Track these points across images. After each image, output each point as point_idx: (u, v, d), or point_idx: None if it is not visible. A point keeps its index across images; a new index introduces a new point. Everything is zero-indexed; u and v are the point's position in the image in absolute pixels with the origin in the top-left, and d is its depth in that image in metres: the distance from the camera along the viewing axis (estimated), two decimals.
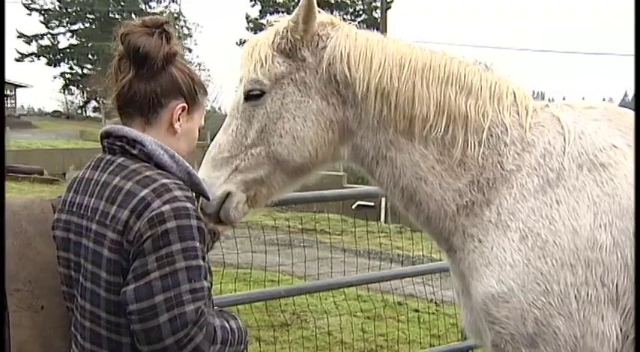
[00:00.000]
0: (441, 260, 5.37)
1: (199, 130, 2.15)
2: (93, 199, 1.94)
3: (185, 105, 2.04)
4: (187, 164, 2.02)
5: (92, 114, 53.87)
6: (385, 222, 16.18)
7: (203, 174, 2.44)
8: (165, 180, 1.88)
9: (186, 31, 52.16)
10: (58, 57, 54.01)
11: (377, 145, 2.43)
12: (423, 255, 6.50)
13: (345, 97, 2.42)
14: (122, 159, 1.97)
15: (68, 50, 53.85)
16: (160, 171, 1.93)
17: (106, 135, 2.03)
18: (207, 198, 2.20)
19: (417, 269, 5.19)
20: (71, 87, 55.61)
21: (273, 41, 2.44)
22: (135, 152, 1.96)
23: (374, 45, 2.42)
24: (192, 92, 2.06)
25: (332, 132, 2.43)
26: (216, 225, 2.48)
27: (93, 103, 54.79)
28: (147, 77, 1.99)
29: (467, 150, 2.38)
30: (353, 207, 17.39)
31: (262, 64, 2.41)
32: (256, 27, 43.91)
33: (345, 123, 2.44)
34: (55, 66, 54.38)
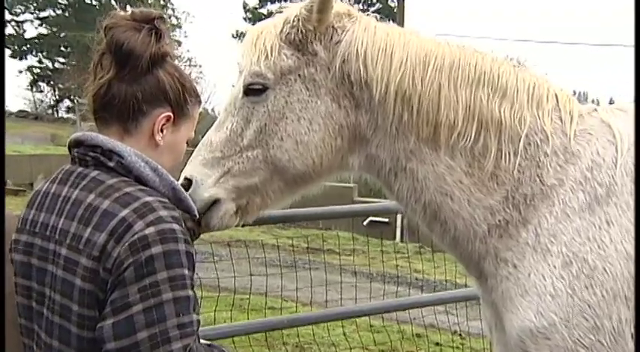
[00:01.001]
0: (467, 286, 5.35)
1: (187, 143, 2.15)
2: (62, 219, 1.91)
3: (170, 114, 2.03)
4: (172, 178, 2.01)
5: (65, 116, 53.84)
6: (402, 241, 16.20)
7: (191, 170, 2.44)
8: (148, 198, 1.86)
9: (174, 21, 52.30)
10: (25, 48, 54.05)
11: (395, 155, 2.44)
12: (446, 280, 6.49)
13: (360, 100, 2.43)
14: (96, 172, 1.95)
15: (36, 40, 53.77)
16: (141, 186, 1.92)
17: (76, 144, 2.01)
18: (194, 217, 2.19)
19: (439, 297, 5.18)
20: (40, 83, 55.56)
21: (282, 30, 2.45)
22: (111, 164, 1.94)
23: (395, 40, 2.43)
24: (180, 100, 2.05)
25: (340, 139, 2.44)
26: (194, 224, 2.45)
27: (66, 103, 54.73)
28: (129, 79, 1.97)
29: (500, 161, 2.38)
30: (364, 223, 17.39)
31: (267, 55, 2.42)
32: (255, 17, 44.01)
33: (357, 130, 2.45)
34: (20, 59, 54.35)
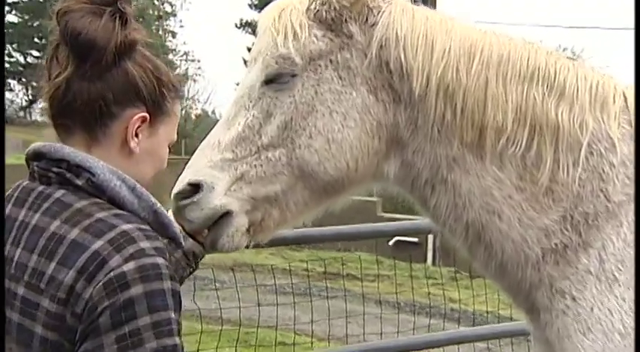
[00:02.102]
0: (512, 319, 5.32)
1: (170, 147, 2.10)
2: (19, 250, 1.86)
3: (146, 115, 1.97)
4: (153, 199, 1.96)
5: (39, 119, 54.01)
6: (434, 265, 16.12)
7: (197, 172, 2.39)
8: (126, 226, 1.80)
9: (168, 9, 52.57)
10: None
11: (435, 163, 2.43)
12: (488, 312, 6.45)
13: (399, 93, 2.42)
14: (61, 192, 1.89)
15: (5, 31, 54.45)
16: (116, 210, 1.86)
17: (36, 157, 1.96)
18: (179, 245, 2.15)
19: (479, 332, 5.14)
20: (10, 80, 55.94)
21: (310, 7, 2.45)
22: (80, 183, 1.88)
23: (436, 26, 2.43)
24: (156, 97, 1.99)
25: (378, 140, 2.44)
26: (196, 244, 2.45)
27: (40, 103, 55.03)
28: (91, 75, 1.90)
29: (557, 173, 2.36)
30: (390, 243, 17.34)
31: (298, 34, 2.41)
32: (262, 3, 44.13)
33: (395, 130, 2.44)
34: None
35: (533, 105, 2.37)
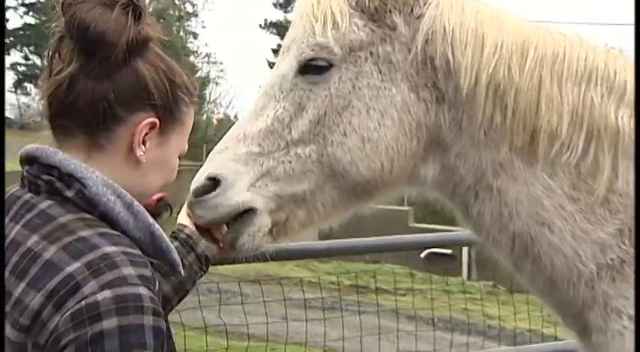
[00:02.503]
0: (557, 338, 5.23)
1: (179, 158, 2.03)
2: None
3: (155, 120, 1.89)
4: (150, 219, 1.86)
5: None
6: (469, 278, 16.04)
7: (218, 166, 2.37)
8: (109, 248, 1.69)
9: (189, 9, 52.95)
10: (7, 41, 55.31)
11: (480, 168, 2.39)
12: (530, 330, 6.36)
13: (443, 93, 2.39)
14: (48, 203, 1.80)
15: (22, 32, 55.11)
16: (104, 229, 1.76)
17: (29, 160, 1.88)
18: (179, 273, 2.01)
19: (522, 351, 5.11)
20: (26, 84, 56.74)
21: None
22: (69, 194, 1.79)
23: (486, 20, 2.39)
24: (168, 101, 1.91)
25: (417, 141, 2.41)
26: (213, 244, 2.43)
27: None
28: (98, 73, 1.83)
29: (615, 182, 2.31)
30: (422, 255, 17.29)
31: (338, 22, 2.39)
32: (287, 3, 44.34)
33: (436, 132, 2.41)
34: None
35: (591, 108, 2.32)
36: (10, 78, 55.19)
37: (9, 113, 55.43)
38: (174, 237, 2.37)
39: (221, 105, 45.45)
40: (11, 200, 1.87)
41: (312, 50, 2.39)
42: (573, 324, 2.45)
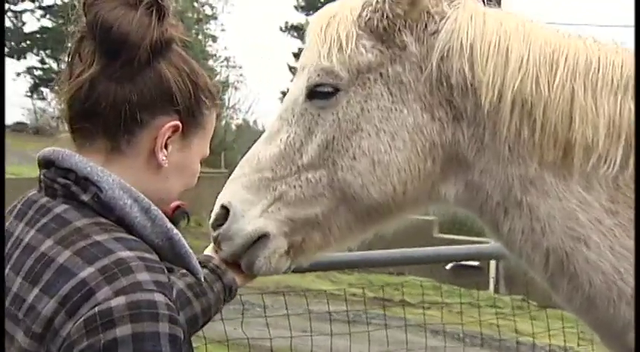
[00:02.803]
0: None
1: (202, 161, 2.04)
2: (6, 270, 1.78)
3: (178, 124, 1.89)
4: (169, 224, 1.86)
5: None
6: (496, 292, 15.92)
7: (229, 195, 2.42)
8: (124, 253, 1.68)
9: (208, 11, 53.01)
10: (24, 45, 55.42)
11: (507, 185, 2.37)
12: (566, 348, 6.26)
13: (461, 110, 2.38)
14: (63, 207, 1.80)
15: (38, 35, 55.19)
16: (119, 234, 1.75)
17: (45, 163, 1.89)
18: (199, 279, 2.05)
19: None
20: (42, 88, 56.84)
21: (361, 15, 2.42)
22: (85, 198, 1.80)
23: (511, 32, 2.37)
24: (191, 104, 1.91)
25: (431, 161, 2.40)
26: (236, 276, 2.47)
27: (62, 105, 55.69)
28: (120, 76, 1.82)
29: None
30: (447, 267, 17.19)
31: (342, 46, 2.40)
32: (310, 6, 44.29)
33: (454, 149, 2.40)
34: (19, 58, 55.47)
35: (629, 119, 2.29)
36: (26, 82, 55.37)
37: (24, 118, 55.73)
38: (202, 266, 2.37)
39: (240, 111, 45.33)
40: (27, 204, 1.88)
41: (319, 75, 2.41)
42: (615, 344, 2.42)
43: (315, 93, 2.43)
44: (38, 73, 56.03)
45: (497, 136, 2.35)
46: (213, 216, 2.49)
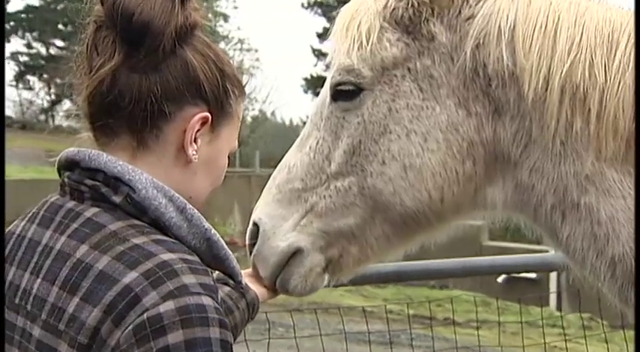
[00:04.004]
0: None
1: (229, 157, 2.13)
2: (39, 280, 1.87)
3: (208, 115, 1.98)
4: (206, 224, 1.96)
5: (65, 123, 55.31)
6: (559, 309, 15.82)
7: (260, 211, 2.51)
8: (167, 255, 1.79)
9: None
10: (8, 27, 55.89)
11: (562, 184, 2.38)
12: None
13: (502, 103, 2.40)
14: (94, 210, 1.90)
15: (24, 15, 55.64)
16: (158, 236, 1.86)
17: (69, 165, 1.98)
18: (239, 283, 2.20)
19: None
20: (29, 77, 57.48)
21: (386, 5, 2.47)
22: (117, 200, 1.89)
23: (562, 12, 2.37)
24: (219, 94, 2.01)
25: (471, 163, 2.44)
26: (262, 293, 2.56)
27: (66, 104, 56.12)
28: (144, 66, 1.92)
29: None
30: (499, 279, 17.12)
31: (363, 42, 2.45)
32: None
33: (498, 147, 2.43)
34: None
35: None
36: (10, 69, 55.49)
37: (9, 111, 56.13)
38: (223, 282, 2.47)
39: (256, 101, 45.38)
40: (52, 210, 1.96)
41: (340, 74, 2.47)
42: None
43: (338, 94, 2.49)
44: (24, 58, 56.41)
45: (546, 129, 2.36)
46: (247, 234, 2.63)
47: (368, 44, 2.46)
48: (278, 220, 2.52)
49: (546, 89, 2.35)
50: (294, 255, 2.52)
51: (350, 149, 2.49)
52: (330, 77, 2.55)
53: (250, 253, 2.62)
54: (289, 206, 2.53)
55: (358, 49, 2.47)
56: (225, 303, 2.45)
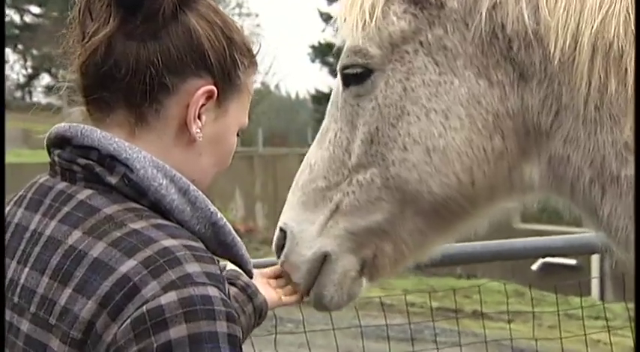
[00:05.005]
0: None
1: (238, 134, 2.13)
2: (27, 269, 1.88)
3: (213, 88, 1.99)
4: (211, 207, 1.97)
5: (43, 100, 55.63)
6: (602, 298, 15.84)
7: (286, 216, 2.55)
8: (168, 241, 1.80)
9: None
10: None
11: (600, 154, 2.39)
12: None
13: (526, 66, 2.41)
14: (88, 192, 1.91)
15: None
16: (159, 220, 1.87)
17: (59, 143, 1.99)
18: (249, 274, 2.22)
19: None
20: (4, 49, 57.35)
21: None
22: (113, 181, 1.90)
23: None
24: (226, 64, 2.02)
25: (500, 138, 2.45)
26: (272, 298, 2.60)
27: (44, 79, 56.29)
28: (142, 33, 1.92)
29: None
30: (534, 267, 17.12)
31: (366, 19, 2.46)
32: None
33: (527, 117, 2.43)
34: None
35: None
36: None
37: None
38: (231, 283, 2.50)
39: (258, 72, 45.28)
40: (41, 192, 1.98)
41: (347, 56, 2.50)
42: None
43: (348, 79, 2.52)
44: None
45: (577, 94, 2.36)
46: (274, 241, 2.68)
47: (372, 20, 2.48)
48: (305, 224, 2.57)
49: (575, 48, 2.35)
50: (324, 261, 2.57)
51: (367, 138, 2.52)
52: (340, 61, 2.57)
53: (279, 258, 2.67)
54: (315, 208, 2.57)
55: (363, 26, 2.48)
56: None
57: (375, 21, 2.47)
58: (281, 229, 2.63)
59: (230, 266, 2.65)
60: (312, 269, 2.56)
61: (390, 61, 2.50)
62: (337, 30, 2.62)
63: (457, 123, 2.45)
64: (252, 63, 2.11)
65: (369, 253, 2.58)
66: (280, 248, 2.64)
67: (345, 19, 2.54)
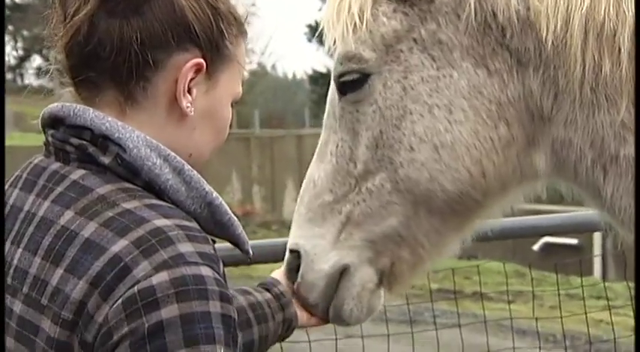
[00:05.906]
0: None
1: (233, 105, 2.13)
2: (20, 249, 1.90)
3: (201, 61, 1.99)
4: (206, 186, 1.99)
5: (35, 82, 55.46)
6: (604, 278, 15.85)
7: (295, 236, 2.56)
8: (161, 221, 1.81)
9: None
10: None
11: (597, 136, 2.40)
12: None
13: (521, 53, 2.41)
14: (81, 172, 1.92)
15: None
16: (152, 200, 1.89)
17: (52, 123, 2.00)
18: (246, 252, 2.17)
19: None
20: None
21: None
22: (106, 161, 1.92)
23: None
24: (213, 34, 2.01)
25: (505, 126, 2.46)
26: (302, 316, 2.64)
27: (36, 60, 56.12)
28: (124, 8, 1.92)
29: None
30: (536, 247, 17.13)
31: (357, 22, 2.45)
32: None
33: (530, 102, 2.44)
34: None
35: None
36: None
37: None
38: (266, 288, 2.58)
39: (253, 52, 45.14)
40: (35, 172, 1.99)
41: (341, 63, 2.49)
42: None
43: (344, 86, 2.52)
44: None
45: (572, 76, 2.36)
46: (285, 263, 2.69)
47: (363, 24, 2.47)
48: (317, 240, 2.56)
49: (567, 31, 2.36)
50: (342, 274, 2.57)
51: (372, 143, 2.52)
52: (333, 68, 2.57)
53: (293, 282, 2.66)
54: (323, 222, 2.57)
55: (353, 31, 2.48)
56: (261, 310, 2.52)
57: (366, 24, 2.47)
58: (292, 250, 2.63)
59: (274, 273, 2.74)
60: (330, 284, 2.56)
61: (386, 63, 2.50)
62: (325, 37, 2.60)
63: (461, 115, 2.46)
64: (241, 32, 2.11)
65: (387, 261, 2.58)
66: (294, 269, 2.63)
67: (335, 27, 2.53)
